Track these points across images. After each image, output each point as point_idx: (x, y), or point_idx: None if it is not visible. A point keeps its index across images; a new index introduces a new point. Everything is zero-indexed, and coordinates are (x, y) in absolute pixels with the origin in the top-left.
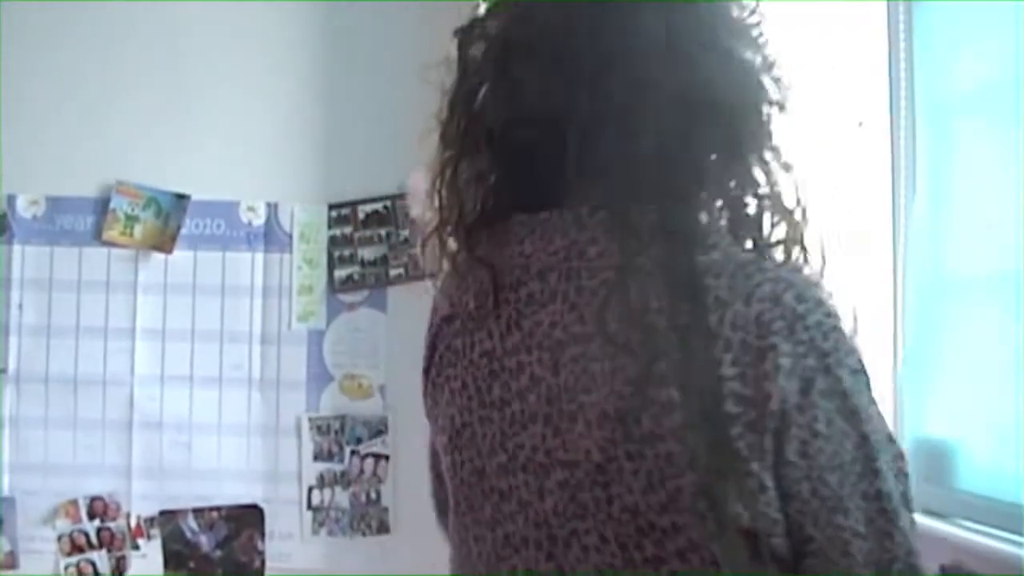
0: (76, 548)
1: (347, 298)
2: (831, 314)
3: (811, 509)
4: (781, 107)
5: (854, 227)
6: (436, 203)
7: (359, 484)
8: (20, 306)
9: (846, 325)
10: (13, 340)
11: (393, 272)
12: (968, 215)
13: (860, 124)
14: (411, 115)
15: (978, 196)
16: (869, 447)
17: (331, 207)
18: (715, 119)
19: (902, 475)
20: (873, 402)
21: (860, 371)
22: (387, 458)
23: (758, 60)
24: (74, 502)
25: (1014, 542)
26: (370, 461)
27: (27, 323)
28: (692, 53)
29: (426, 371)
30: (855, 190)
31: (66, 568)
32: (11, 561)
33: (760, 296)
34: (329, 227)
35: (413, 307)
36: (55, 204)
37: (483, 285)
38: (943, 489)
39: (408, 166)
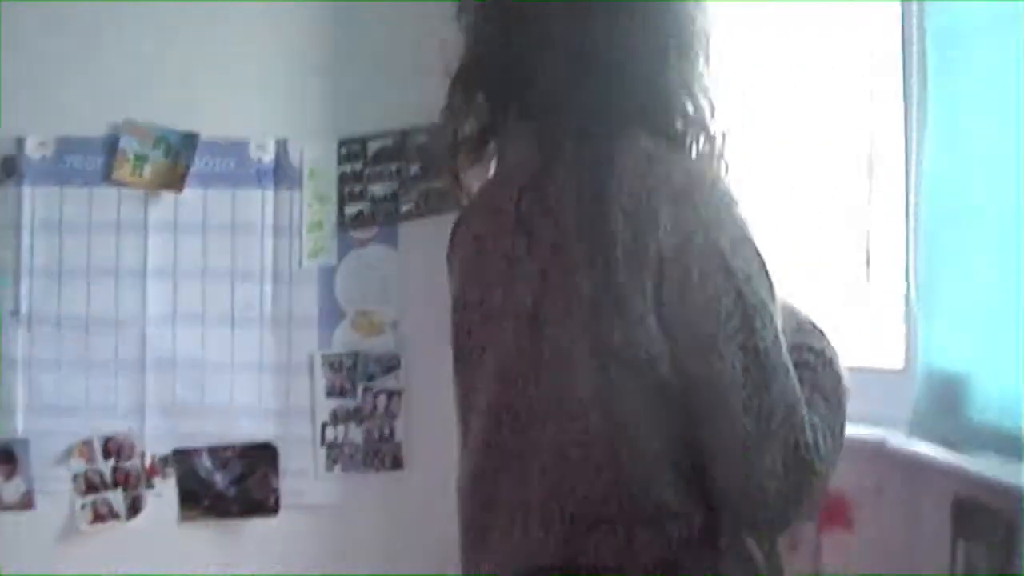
0: (91, 488)
1: (358, 234)
2: (721, 194)
3: (690, 347)
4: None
5: (867, 154)
6: None
7: (372, 420)
8: (31, 248)
9: (740, 210)
10: (24, 282)
11: (404, 208)
12: (980, 143)
13: (872, 54)
14: (421, 50)
15: (990, 124)
16: (746, 304)
17: (341, 143)
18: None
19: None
20: (762, 273)
21: (743, 240)
22: (400, 394)
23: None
24: (88, 442)
25: None
26: (383, 397)
27: (38, 265)
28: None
29: None
30: (867, 117)
31: (81, 508)
32: (27, 501)
33: (655, 173)
34: (339, 163)
35: (424, 243)
36: (64, 145)
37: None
38: (956, 419)
39: (418, 101)
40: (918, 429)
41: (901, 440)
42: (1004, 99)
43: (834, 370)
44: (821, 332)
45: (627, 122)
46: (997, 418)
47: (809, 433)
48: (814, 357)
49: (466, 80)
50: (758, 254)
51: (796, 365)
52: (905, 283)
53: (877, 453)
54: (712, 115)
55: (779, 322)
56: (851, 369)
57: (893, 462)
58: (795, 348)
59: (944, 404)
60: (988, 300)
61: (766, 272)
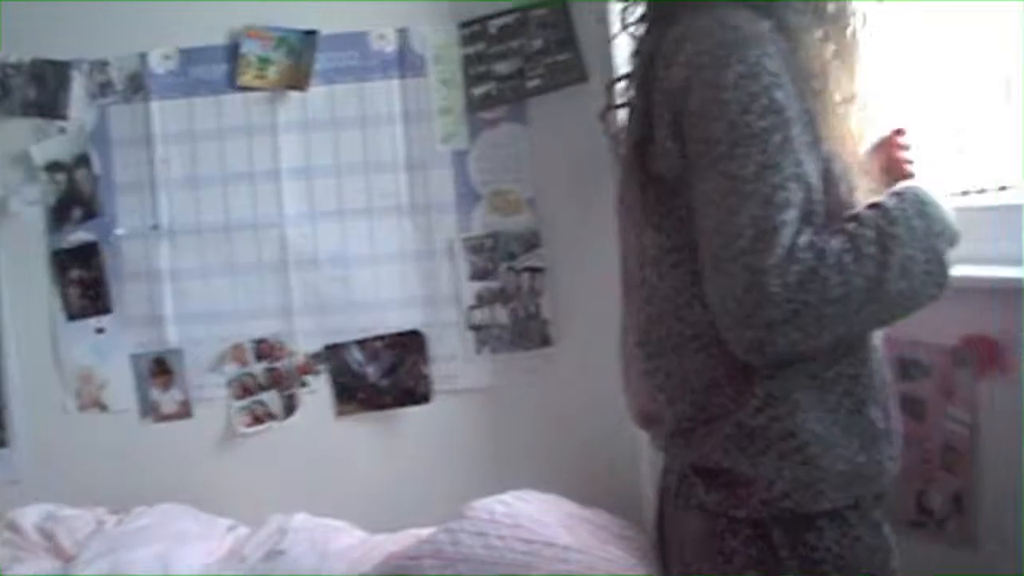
0: (246, 391)
1: (487, 115)
2: (744, 37)
3: (691, 169)
4: None
5: None
6: None
7: (517, 300)
8: (165, 161)
9: (760, 55)
10: (163, 195)
11: (531, 84)
12: None
13: None
14: None
15: None
16: (735, 133)
17: (461, 25)
18: None
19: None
20: (766, 109)
21: (750, 76)
22: (543, 271)
23: None
24: (240, 346)
25: None
26: (526, 276)
27: (174, 177)
28: None
29: None
30: None
31: (239, 411)
32: (185, 410)
33: (698, 26)
34: (462, 46)
35: (553, 117)
36: (187, 56)
37: None
38: None
39: None
40: None
41: None
42: None
43: (890, 217)
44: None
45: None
46: None
47: (785, 263)
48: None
49: None
50: (766, 90)
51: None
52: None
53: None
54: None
55: (784, 157)
56: (998, 208)
57: None
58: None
59: None
60: None
61: (775, 109)
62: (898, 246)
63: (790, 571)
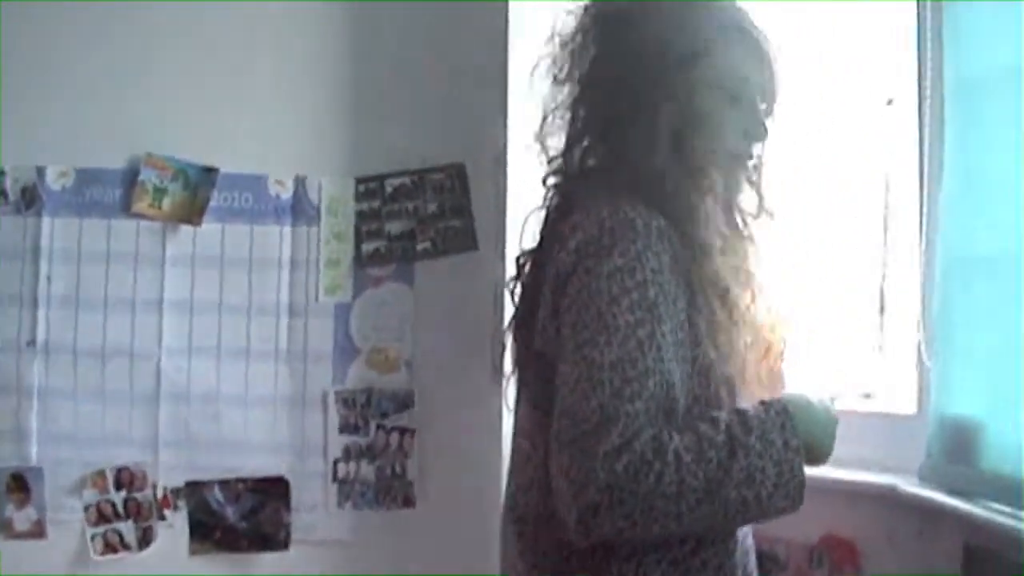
0: (103, 518)
1: (374, 272)
2: (630, 225)
3: (560, 345)
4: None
5: (882, 202)
6: None
7: (384, 457)
8: (48, 278)
9: (644, 244)
10: (42, 311)
11: (420, 247)
12: (996, 193)
13: (889, 102)
14: (439, 90)
15: (1006, 173)
16: (601, 322)
17: (358, 181)
18: None
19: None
20: (637, 303)
21: (627, 269)
22: (413, 432)
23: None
24: (101, 472)
25: None
26: (396, 435)
27: (56, 294)
28: None
29: None
30: (883, 165)
31: (92, 538)
32: (39, 530)
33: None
34: (356, 200)
35: (440, 282)
36: (84, 176)
37: None
38: (967, 467)
39: (435, 141)
40: (929, 475)
41: (912, 486)
42: (1020, 149)
43: (729, 442)
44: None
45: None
46: (1008, 467)
47: (618, 451)
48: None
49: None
50: (640, 286)
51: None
52: (918, 330)
53: (888, 499)
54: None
55: (644, 352)
56: (865, 415)
57: (904, 508)
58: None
59: (955, 451)
60: (1001, 349)
61: (645, 306)
62: (745, 455)
63: None
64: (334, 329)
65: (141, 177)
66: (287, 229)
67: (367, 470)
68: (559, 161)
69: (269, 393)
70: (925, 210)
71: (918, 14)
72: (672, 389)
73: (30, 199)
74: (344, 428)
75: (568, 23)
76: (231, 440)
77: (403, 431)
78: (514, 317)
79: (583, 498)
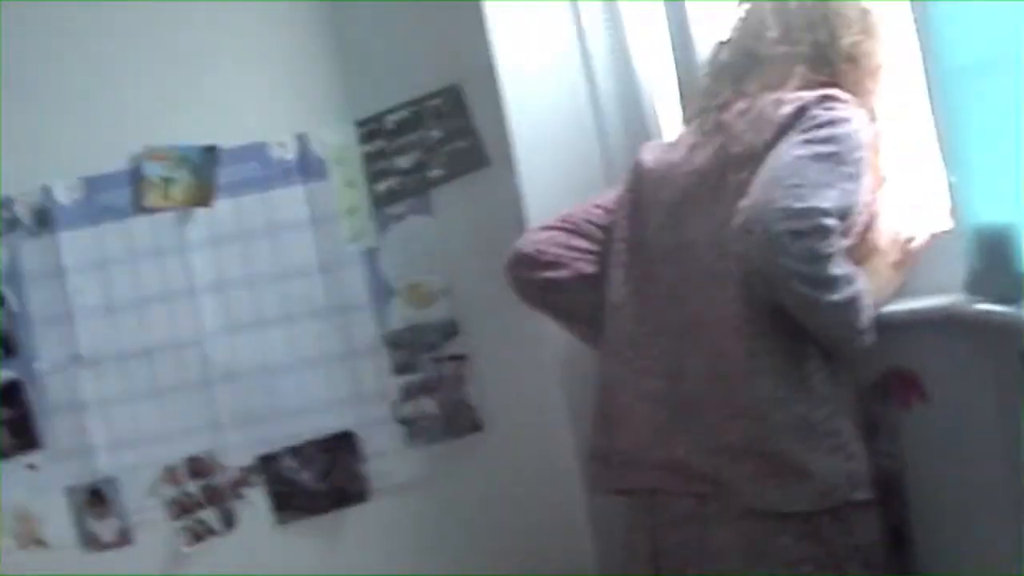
0: (184, 511)
1: (393, 210)
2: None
3: None
4: None
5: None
6: None
7: (443, 389)
8: (79, 291)
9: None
10: (80, 325)
11: (432, 174)
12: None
13: None
14: (418, 17)
15: None
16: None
17: (358, 124)
18: None
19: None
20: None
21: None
22: (465, 357)
23: None
24: (173, 468)
25: None
26: (449, 364)
27: (89, 305)
28: None
29: None
30: None
31: (179, 532)
32: (125, 538)
33: None
34: (361, 144)
35: (459, 205)
36: (91, 184)
37: None
38: (1010, 275)
39: (427, 66)
40: (974, 288)
41: (962, 303)
42: None
43: None
44: None
45: None
46: None
47: None
48: None
49: None
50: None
51: None
52: (937, 146)
53: (942, 321)
54: None
55: None
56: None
57: (958, 327)
58: None
59: (994, 260)
60: (1017, 152)
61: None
62: None
63: (839, 560)
64: (367, 275)
65: (146, 172)
66: (299, 188)
67: (429, 404)
68: None
69: (318, 352)
70: (919, 20)
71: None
72: None
73: (43, 218)
74: (398, 369)
75: None
76: (291, 407)
77: (456, 359)
78: None
79: None
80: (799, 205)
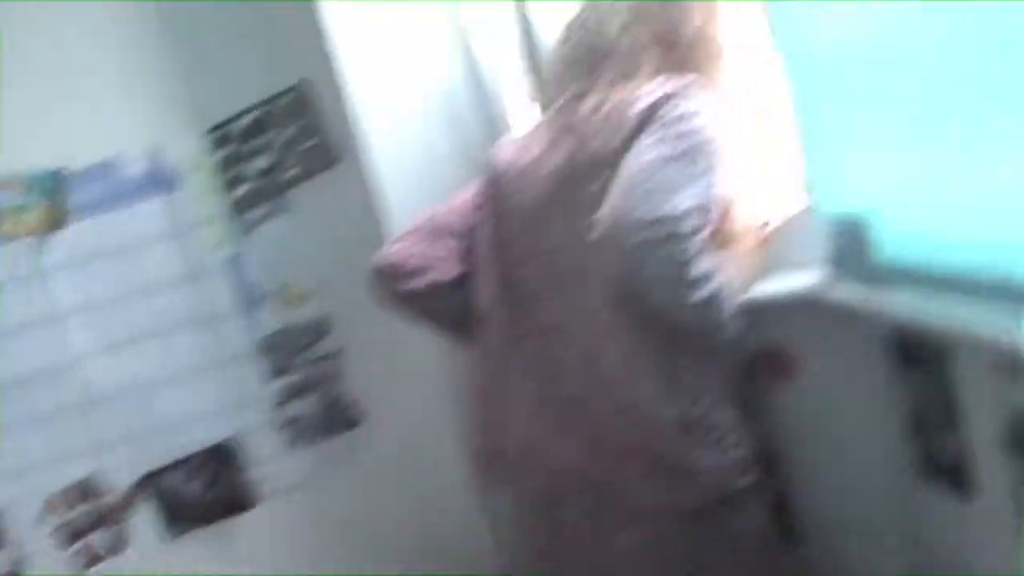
0: (75, 536)
1: (252, 215)
2: None
3: None
4: None
5: None
6: None
7: (321, 388)
8: None
9: None
10: None
11: (287, 175)
12: None
13: None
14: (262, 19)
15: None
16: None
17: (209, 132)
18: None
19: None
20: None
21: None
22: (340, 355)
23: None
24: (61, 493)
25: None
26: (324, 363)
27: None
28: None
29: None
30: None
31: (73, 556)
32: (19, 568)
33: None
34: (213, 151)
35: (317, 203)
36: None
37: None
38: (865, 262)
39: (273, 67)
40: (837, 273)
41: (823, 285)
42: None
43: None
44: None
45: None
46: (903, 254)
47: None
48: None
49: None
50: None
51: None
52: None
53: (806, 302)
54: None
55: None
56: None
57: (822, 308)
58: None
59: (853, 247)
60: (869, 139)
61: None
62: None
63: (737, 545)
64: (234, 282)
65: None
66: (155, 201)
67: (308, 405)
68: None
69: (193, 363)
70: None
71: None
72: None
73: None
74: (274, 372)
75: None
76: (172, 421)
77: (330, 357)
78: None
79: None
80: (656, 214)
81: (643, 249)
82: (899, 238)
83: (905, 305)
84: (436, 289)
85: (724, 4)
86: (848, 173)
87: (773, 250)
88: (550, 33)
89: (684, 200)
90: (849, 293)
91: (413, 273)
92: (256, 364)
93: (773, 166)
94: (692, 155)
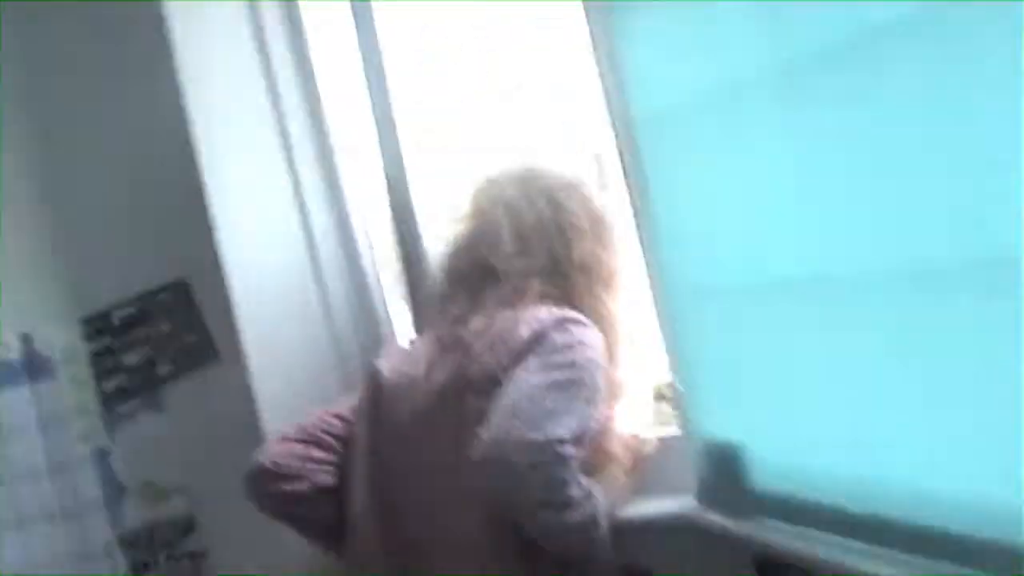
0: None
1: (123, 408)
2: None
3: None
4: None
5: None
6: None
7: None
8: None
9: None
10: None
11: (161, 371)
12: (705, 221)
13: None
14: (147, 213)
15: (710, 198)
16: None
17: (84, 321)
18: None
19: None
20: None
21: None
22: (203, 554)
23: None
24: None
25: (811, 537)
26: (186, 561)
27: None
28: None
29: None
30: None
31: None
32: None
33: None
34: (87, 342)
35: (190, 400)
36: None
37: None
38: (737, 490)
39: (153, 261)
40: (706, 498)
41: (694, 510)
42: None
43: None
44: None
45: None
46: (775, 484)
47: None
48: None
49: None
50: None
51: None
52: (666, 355)
53: (676, 526)
54: None
55: None
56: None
57: (691, 532)
58: None
59: (724, 474)
60: (748, 372)
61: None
62: None
63: None
64: (99, 475)
65: None
66: (24, 389)
67: None
68: None
69: (53, 556)
70: (643, 240)
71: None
72: None
73: None
74: (135, 568)
75: None
76: None
77: (194, 556)
78: None
79: None
80: (537, 437)
81: (525, 469)
82: (770, 468)
83: (773, 531)
84: (311, 495)
85: (610, 230)
86: (722, 401)
87: (646, 473)
88: (432, 244)
89: (567, 425)
90: (719, 517)
91: (289, 477)
92: (118, 560)
93: (647, 392)
94: (577, 384)
